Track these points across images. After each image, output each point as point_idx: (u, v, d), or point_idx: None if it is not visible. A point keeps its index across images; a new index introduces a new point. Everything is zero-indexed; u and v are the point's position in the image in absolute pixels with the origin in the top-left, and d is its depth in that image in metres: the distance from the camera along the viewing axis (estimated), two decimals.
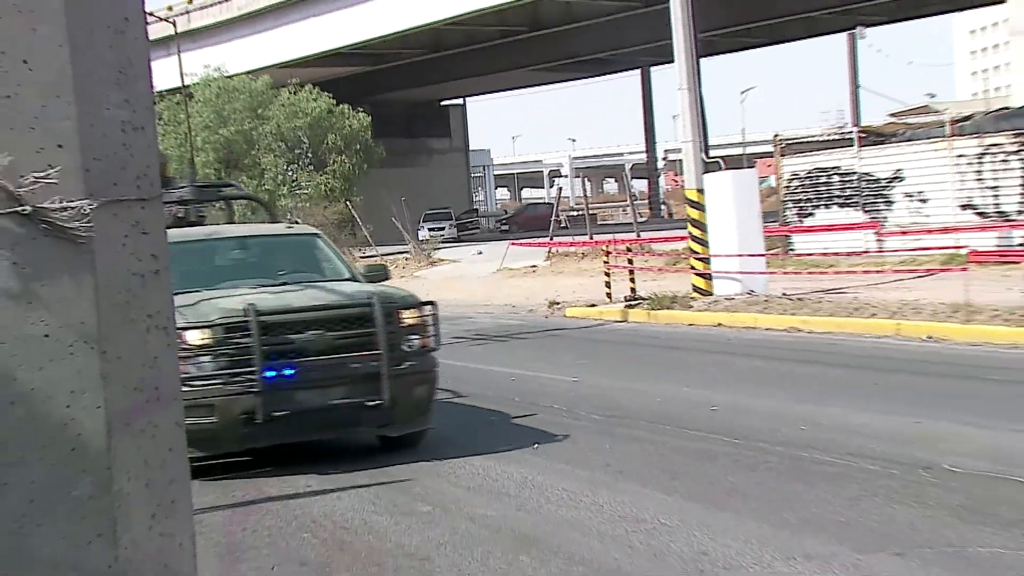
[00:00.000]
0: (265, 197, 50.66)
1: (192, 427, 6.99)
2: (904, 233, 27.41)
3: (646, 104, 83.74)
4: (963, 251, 22.03)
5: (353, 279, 12.15)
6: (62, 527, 2.37)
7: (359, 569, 7.42)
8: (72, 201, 2.33)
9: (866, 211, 28.87)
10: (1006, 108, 30.03)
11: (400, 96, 72.40)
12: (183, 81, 52.08)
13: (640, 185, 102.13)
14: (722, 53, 66.79)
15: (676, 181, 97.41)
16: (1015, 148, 26.10)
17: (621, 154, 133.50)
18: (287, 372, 10.11)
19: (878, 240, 27.89)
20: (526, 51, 64.15)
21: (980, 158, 26.76)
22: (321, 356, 10.31)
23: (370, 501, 9.21)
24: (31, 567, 2.37)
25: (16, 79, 2.36)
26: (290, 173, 51.33)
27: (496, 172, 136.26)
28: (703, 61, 25.08)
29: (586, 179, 75.57)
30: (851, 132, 33.00)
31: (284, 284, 11.50)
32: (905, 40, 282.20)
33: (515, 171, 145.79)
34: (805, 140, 34.16)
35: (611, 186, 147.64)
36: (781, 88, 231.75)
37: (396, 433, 10.99)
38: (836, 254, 27.80)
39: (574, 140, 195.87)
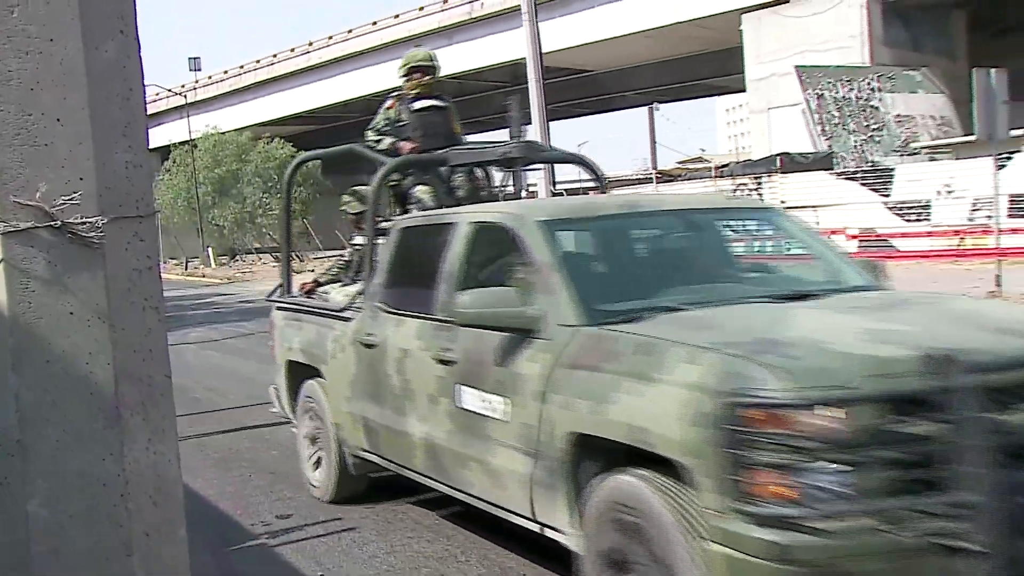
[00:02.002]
0: (247, 217, 50.15)
1: None
2: None
3: None
4: None
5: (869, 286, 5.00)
6: (85, 449, 2.36)
7: None
8: (90, 217, 2.31)
9: None
10: (748, 159, 30.72)
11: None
12: (190, 135, 52.07)
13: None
14: (563, 118, 67.14)
15: None
16: (755, 186, 26.73)
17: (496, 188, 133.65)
18: None
19: None
20: None
21: (733, 192, 27.33)
22: None
23: None
24: (67, 477, 2.35)
25: (52, 132, 2.36)
26: (264, 199, 50.71)
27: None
28: (551, 124, 25.23)
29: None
30: (651, 174, 33.44)
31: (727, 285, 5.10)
32: (686, 112, 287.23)
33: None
34: (622, 179, 34.58)
35: None
36: (605, 143, 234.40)
37: None
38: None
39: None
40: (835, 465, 3.11)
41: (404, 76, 7.64)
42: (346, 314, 6.12)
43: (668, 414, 3.44)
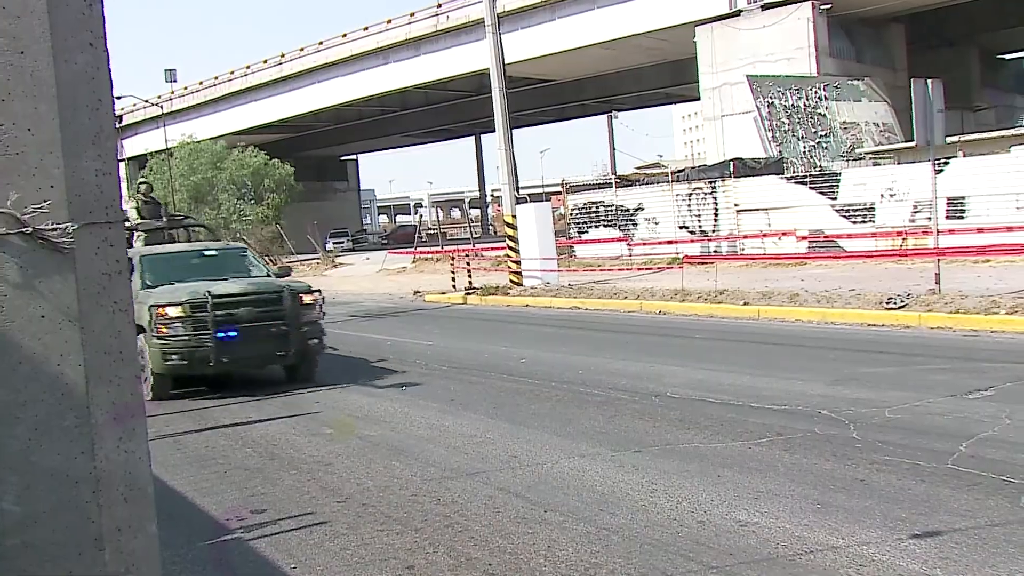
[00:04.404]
0: (222, 223, 49.79)
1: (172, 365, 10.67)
2: (644, 244, 28.00)
3: (478, 158, 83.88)
4: (680, 256, 22.63)
5: (270, 276, 12.56)
6: (59, 447, 2.32)
7: (284, 471, 7.30)
8: (60, 224, 2.27)
9: (620, 229, 29.37)
10: (704, 165, 30.88)
11: (314, 153, 71.29)
12: (167, 144, 51.49)
13: (475, 212, 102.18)
14: (526, 126, 67.15)
15: (499, 210, 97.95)
16: (709, 190, 26.87)
17: (462, 192, 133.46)
18: (231, 334, 10.87)
19: (629, 248, 28.42)
20: (399, 123, 63.78)
21: (689, 196, 27.46)
22: (252, 324, 11.01)
23: (291, 427, 9.06)
24: (39, 474, 2.32)
25: (23, 142, 2.33)
26: (239, 206, 50.17)
27: (379, 204, 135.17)
28: (514, 131, 25.20)
29: (439, 208, 75.48)
30: (611, 179, 33.53)
31: (226, 279, 11.85)
32: (644, 120, 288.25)
33: (392, 203, 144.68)
34: (582, 184, 34.61)
35: (456, 213, 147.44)
36: (566, 149, 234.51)
37: (294, 368, 11.85)
38: (603, 258, 28.25)
39: (431, 182, 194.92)
40: (176, 323, 10.74)
41: (136, 188, 16.42)
42: None
43: (145, 313, 10.68)
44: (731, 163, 27.07)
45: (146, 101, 56.04)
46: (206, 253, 12.99)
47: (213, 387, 11.54)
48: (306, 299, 11.52)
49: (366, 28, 47.49)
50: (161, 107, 54.87)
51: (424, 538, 5.43)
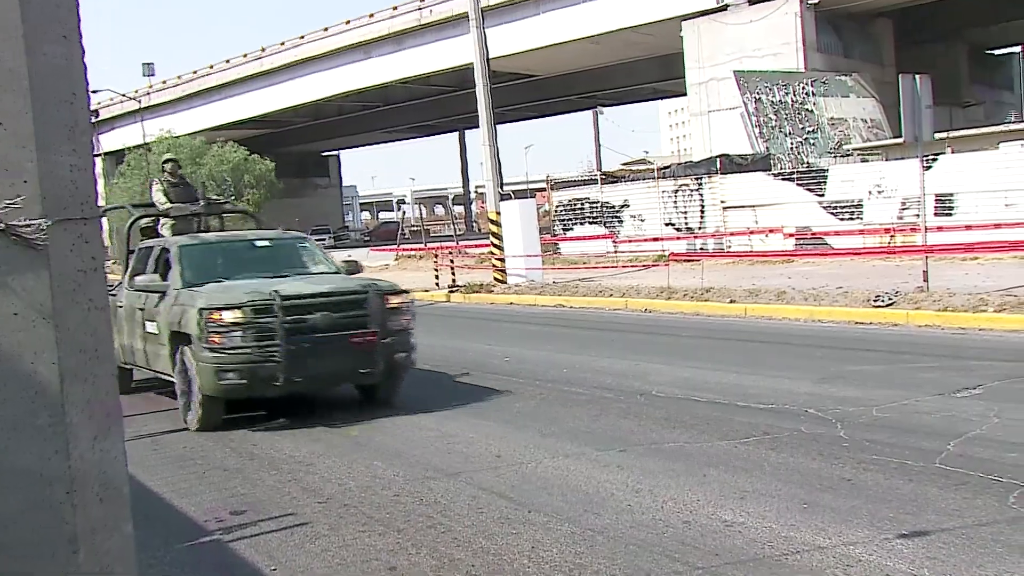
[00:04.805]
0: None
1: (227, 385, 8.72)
2: (630, 241, 28.06)
3: (462, 154, 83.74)
4: (666, 253, 22.70)
5: (339, 272, 10.63)
6: (32, 446, 2.31)
7: (264, 471, 7.28)
8: (33, 220, 2.26)
9: (606, 227, 29.42)
10: (690, 161, 31.02)
11: (294, 149, 71.08)
12: (144, 139, 51.27)
13: (459, 209, 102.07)
14: (510, 122, 67.21)
15: (483, 206, 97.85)
16: (696, 187, 26.96)
17: (446, 188, 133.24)
18: (305, 345, 8.71)
19: (614, 246, 28.47)
20: (381, 119, 63.69)
21: (675, 193, 27.56)
22: (330, 333, 8.85)
23: (271, 426, 9.03)
24: (12, 474, 2.31)
25: None
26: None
27: (361, 201, 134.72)
28: (498, 127, 25.19)
29: (422, 205, 75.59)
30: (596, 175, 33.58)
31: (288, 276, 9.92)
32: (630, 116, 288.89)
33: (374, 200, 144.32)
34: (567, 180, 34.66)
35: (439, 210, 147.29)
36: (551, 145, 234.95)
37: (374, 387, 9.81)
38: (588, 255, 28.29)
39: (414, 179, 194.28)
40: (237, 332, 8.61)
41: (161, 168, 13.73)
42: (112, 292, 10.67)
43: (192, 319, 8.76)
44: (718, 159, 27.17)
45: (123, 95, 55.75)
46: (260, 244, 11.01)
47: (272, 412, 9.42)
48: (394, 301, 9.42)
49: (348, 22, 47.40)
50: (139, 101, 54.60)
51: (406, 539, 5.43)
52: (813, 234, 23.47)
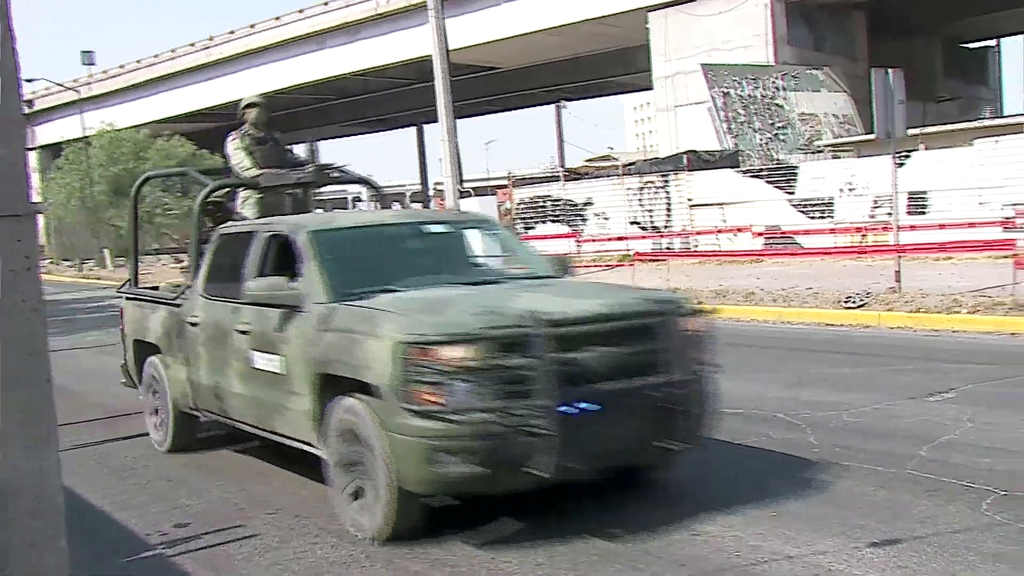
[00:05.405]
0: (145, 216, 48.77)
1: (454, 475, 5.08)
2: (594, 240, 28.15)
3: (420, 150, 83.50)
4: (631, 253, 22.80)
5: (554, 275, 7.24)
6: None
7: (211, 481, 7.19)
8: None
9: (569, 225, 29.47)
10: (656, 157, 31.18)
11: None
12: (84, 132, 50.60)
13: (417, 207, 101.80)
14: (470, 116, 67.08)
15: (441, 205, 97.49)
16: (662, 184, 27.12)
17: (404, 185, 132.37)
18: (594, 406, 5.26)
19: (577, 245, 28.52)
20: (336, 112, 63.42)
21: (641, 190, 27.68)
22: (619, 384, 5.41)
23: (219, 433, 8.90)
24: None
25: None
26: (163, 199, 49.41)
27: (319, 199, 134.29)
28: (458, 121, 25.18)
29: (378, 203, 75.18)
30: (559, 172, 33.67)
31: (498, 283, 6.75)
32: (593, 110, 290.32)
33: (328, 197, 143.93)
34: (529, 177, 34.70)
35: (397, 208, 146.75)
36: (512, 140, 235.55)
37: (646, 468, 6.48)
38: (550, 255, 28.29)
39: (371, 175, 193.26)
40: (464, 382, 5.05)
41: (241, 114, 9.30)
42: (176, 301, 7.93)
43: (376, 357, 5.31)
44: (685, 156, 27.33)
45: (61, 85, 54.94)
46: (431, 230, 7.50)
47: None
48: (692, 327, 5.86)
49: (301, 11, 47.13)
50: (78, 91, 53.76)
51: (360, 551, 5.40)
52: (783, 233, 23.68)
